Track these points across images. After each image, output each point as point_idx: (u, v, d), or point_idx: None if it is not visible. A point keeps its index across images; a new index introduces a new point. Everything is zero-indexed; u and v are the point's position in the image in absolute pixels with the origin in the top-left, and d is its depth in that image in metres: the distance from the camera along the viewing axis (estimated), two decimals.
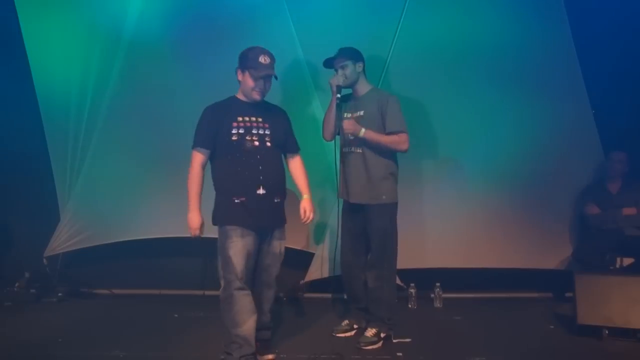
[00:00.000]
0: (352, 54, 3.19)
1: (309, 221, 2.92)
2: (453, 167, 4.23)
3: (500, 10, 4.11)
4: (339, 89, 3.16)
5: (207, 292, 4.34)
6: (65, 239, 4.26)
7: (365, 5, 4.12)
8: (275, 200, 2.78)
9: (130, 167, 4.25)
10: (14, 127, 4.42)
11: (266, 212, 2.76)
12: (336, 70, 3.21)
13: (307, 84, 4.09)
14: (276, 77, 2.80)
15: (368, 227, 3.20)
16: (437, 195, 4.22)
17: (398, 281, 4.20)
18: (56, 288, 4.20)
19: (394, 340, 3.18)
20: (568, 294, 3.73)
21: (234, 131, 2.72)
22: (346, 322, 3.43)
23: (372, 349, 3.07)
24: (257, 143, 2.72)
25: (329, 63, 3.25)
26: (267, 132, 2.76)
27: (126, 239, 4.20)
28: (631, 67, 4.17)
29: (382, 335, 3.14)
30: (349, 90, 3.31)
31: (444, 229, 4.21)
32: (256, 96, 2.77)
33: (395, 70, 4.07)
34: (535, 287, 4.35)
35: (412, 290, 4.05)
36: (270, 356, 2.88)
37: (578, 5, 4.10)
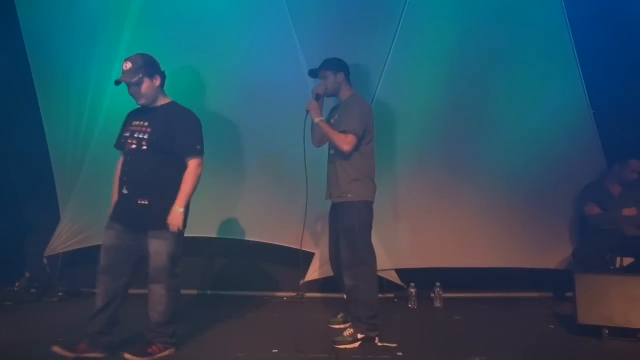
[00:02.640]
0: (333, 65, 3.30)
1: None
2: (453, 167, 4.23)
3: (500, 10, 4.11)
4: (319, 97, 3.32)
5: (207, 292, 4.34)
6: (65, 239, 4.26)
7: (365, 5, 4.12)
8: (140, 202, 2.77)
9: None
10: (15, 127, 4.42)
11: (130, 212, 2.80)
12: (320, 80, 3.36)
13: (307, 85, 4.09)
14: (117, 83, 2.83)
15: (339, 225, 3.26)
16: (438, 195, 4.22)
17: (398, 281, 4.21)
18: (56, 288, 4.20)
19: (379, 344, 3.12)
20: (568, 294, 3.74)
21: (125, 134, 2.90)
22: (341, 315, 3.51)
23: (347, 348, 3.05)
24: (134, 146, 2.82)
25: (313, 73, 3.40)
26: (145, 136, 2.80)
27: None
28: (631, 67, 4.17)
29: (360, 336, 3.11)
30: None
31: (443, 229, 4.21)
32: (137, 102, 2.88)
33: (395, 70, 4.07)
34: (535, 287, 4.35)
35: (412, 290, 4.04)
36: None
37: (577, 6, 4.10)
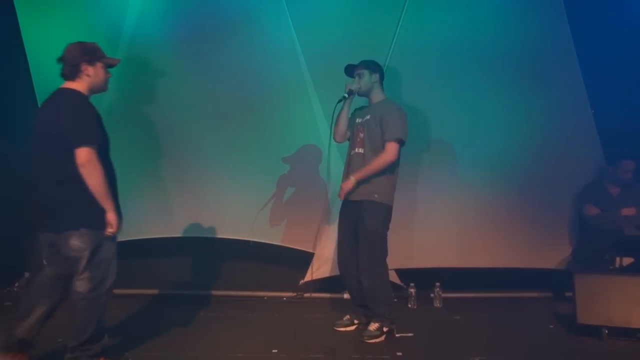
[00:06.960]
0: (370, 65, 3.31)
1: None
2: (453, 167, 4.24)
3: (500, 10, 4.12)
4: (352, 93, 3.29)
5: (207, 293, 4.34)
6: None
7: (365, 5, 4.13)
8: None
9: (130, 167, 4.22)
10: (14, 127, 4.42)
11: None
12: (354, 77, 3.33)
13: (306, 84, 4.10)
14: None
15: (360, 224, 3.25)
16: (438, 195, 4.23)
17: (398, 281, 4.21)
18: None
19: (397, 335, 3.23)
20: (568, 294, 3.74)
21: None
22: (347, 317, 3.49)
23: (375, 342, 3.13)
24: None
25: (349, 69, 3.35)
26: None
27: (126, 239, 4.20)
28: (631, 67, 4.17)
29: (385, 329, 3.21)
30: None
31: (444, 229, 4.21)
32: (106, 87, 2.84)
33: (395, 69, 4.07)
34: (535, 287, 4.35)
35: (412, 290, 4.05)
36: None
37: (578, 6, 4.10)
